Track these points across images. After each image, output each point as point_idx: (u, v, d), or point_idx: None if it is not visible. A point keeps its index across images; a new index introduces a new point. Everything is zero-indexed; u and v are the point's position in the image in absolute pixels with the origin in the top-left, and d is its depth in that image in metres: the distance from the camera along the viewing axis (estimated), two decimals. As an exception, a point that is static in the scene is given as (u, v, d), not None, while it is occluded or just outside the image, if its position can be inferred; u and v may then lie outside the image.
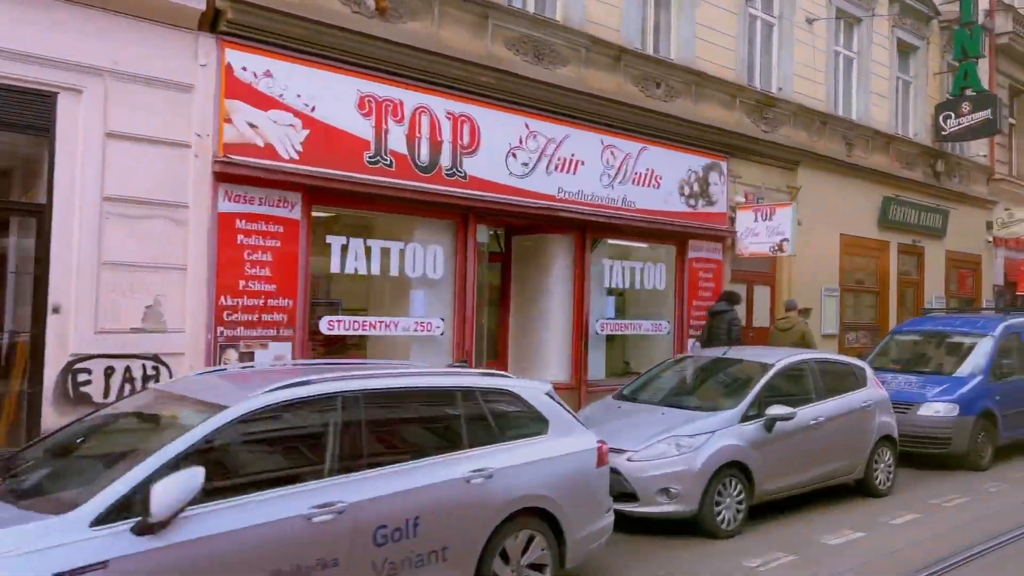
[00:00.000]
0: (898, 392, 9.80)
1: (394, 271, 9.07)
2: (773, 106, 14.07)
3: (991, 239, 19.97)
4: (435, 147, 9.33)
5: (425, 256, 9.35)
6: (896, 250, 17.01)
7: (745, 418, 6.85)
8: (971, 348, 10.43)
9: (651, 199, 11.91)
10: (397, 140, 8.99)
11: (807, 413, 7.35)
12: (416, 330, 9.25)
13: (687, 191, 12.50)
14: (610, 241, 11.86)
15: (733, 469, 6.59)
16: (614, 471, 6.50)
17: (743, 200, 13.36)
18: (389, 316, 9.26)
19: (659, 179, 12.03)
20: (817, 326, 14.90)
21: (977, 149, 19.45)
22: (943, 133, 17.93)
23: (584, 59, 11.08)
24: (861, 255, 16.36)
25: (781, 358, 7.58)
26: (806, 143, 14.77)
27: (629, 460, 6.43)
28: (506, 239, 11.62)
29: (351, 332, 8.72)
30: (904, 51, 17.66)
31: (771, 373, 7.29)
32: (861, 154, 16.10)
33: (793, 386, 7.68)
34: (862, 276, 16.64)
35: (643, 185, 11.80)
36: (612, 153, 11.35)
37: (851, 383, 8.09)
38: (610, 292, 11.77)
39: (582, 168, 10.94)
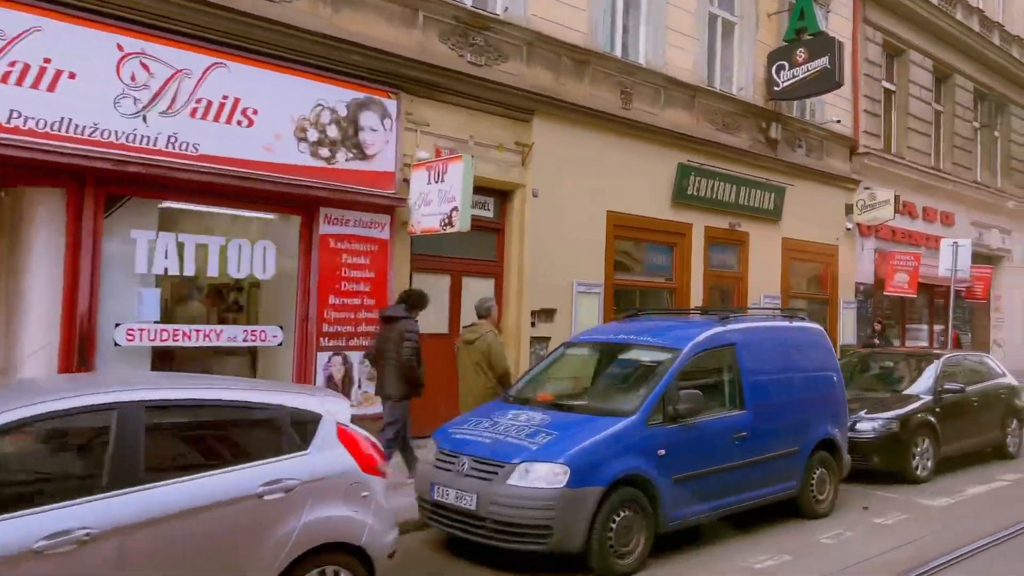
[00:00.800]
0: (495, 444, 5.95)
1: None
2: (488, 30, 10.21)
3: (852, 226, 16.27)
4: None
5: None
6: (703, 235, 13.23)
7: None
8: (646, 370, 6.66)
9: (235, 143, 7.99)
10: None
11: (38, 524, 3.47)
12: None
13: (314, 136, 8.60)
14: (167, 204, 7.97)
15: None
16: None
17: (428, 156, 9.49)
18: None
19: (252, 114, 8.12)
20: (566, 332, 11.10)
21: (833, 114, 15.75)
22: (776, 88, 14.22)
23: (80, -84, 7.16)
24: (645, 239, 12.56)
25: (15, 407, 3.67)
26: (550, 86, 10.94)
27: None
28: (-10, 197, 7.69)
29: None
30: (725, -18, 13.94)
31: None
32: (646, 108, 12.29)
33: (32, 465, 3.80)
34: (648, 267, 12.85)
35: (217, 120, 7.87)
36: (144, 66, 7.42)
37: (258, 448, 4.24)
38: (167, 281, 7.90)
39: (71, 84, 6.99)
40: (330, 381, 8.77)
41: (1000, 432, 10.53)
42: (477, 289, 10.28)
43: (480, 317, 8.55)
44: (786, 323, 7.95)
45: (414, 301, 8.14)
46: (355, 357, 8.97)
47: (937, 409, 9.45)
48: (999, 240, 21.73)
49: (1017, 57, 22.33)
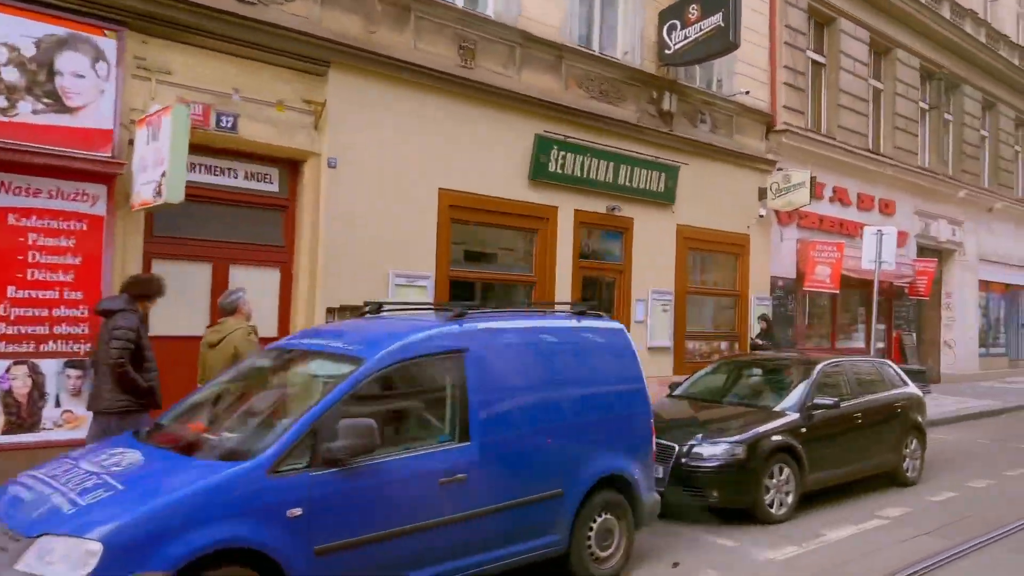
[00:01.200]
0: (34, 501, 3.91)
1: None
2: (260, -41, 8.27)
3: (766, 212, 14.34)
4: None
5: None
6: (572, 220, 11.28)
7: None
8: (314, 389, 4.72)
9: None
10: None
11: None
12: None
13: (-20, 80, 6.65)
14: None
15: None
16: None
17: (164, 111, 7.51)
18: None
19: None
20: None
21: (745, 85, 13.83)
22: (667, 52, 12.30)
23: None
24: (494, 223, 10.60)
25: None
26: (356, 35, 8.99)
27: None
28: None
29: None
30: (603, -72, 12.01)
31: None
32: (497, 69, 10.36)
33: None
34: (500, 256, 10.92)
35: None
36: None
37: None
38: None
39: None
40: (9, 397, 6.80)
41: (895, 454, 8.59)
42: (253, 281, 8.32)
43: (226, 314, 6.69)
44: (566, 322, 5.99)
45: (139, 289, 6.21)
46: (51, 366, 7.01)
47: (804, 429, 7.53)
48: (948, 232, 19.86)
49: (971, 33, 20.48)
